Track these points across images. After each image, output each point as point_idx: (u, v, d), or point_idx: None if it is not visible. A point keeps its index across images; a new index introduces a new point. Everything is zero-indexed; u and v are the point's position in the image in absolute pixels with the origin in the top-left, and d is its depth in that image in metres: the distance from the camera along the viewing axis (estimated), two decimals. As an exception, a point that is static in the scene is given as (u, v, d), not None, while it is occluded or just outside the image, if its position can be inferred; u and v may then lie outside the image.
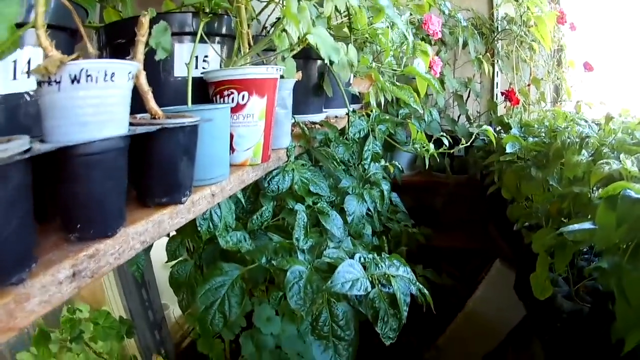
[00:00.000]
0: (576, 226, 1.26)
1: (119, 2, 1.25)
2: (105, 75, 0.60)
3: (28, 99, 0.73)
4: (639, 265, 1.07)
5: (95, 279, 0.61)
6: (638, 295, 1.04)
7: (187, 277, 1.58)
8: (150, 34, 0.82)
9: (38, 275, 0.52)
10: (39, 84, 0.59)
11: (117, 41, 1.07)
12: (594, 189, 1.47)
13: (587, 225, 1.24)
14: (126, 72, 0.64)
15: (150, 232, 0.72)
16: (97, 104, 0.60)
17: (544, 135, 2.20)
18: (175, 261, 1.59)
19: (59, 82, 0.58)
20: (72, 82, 0.58)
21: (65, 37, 0.82)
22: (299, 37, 1.05)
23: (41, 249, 0.58)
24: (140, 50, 0.76)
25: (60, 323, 1.52)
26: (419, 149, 1.89)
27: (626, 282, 1.07)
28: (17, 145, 0.48)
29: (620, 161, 1.36)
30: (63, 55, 0.58)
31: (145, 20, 0.76)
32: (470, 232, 3.36)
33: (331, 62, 0.98)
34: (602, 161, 1.41)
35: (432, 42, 2.53)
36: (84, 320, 1.58)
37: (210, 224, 1.38)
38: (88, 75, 0.58)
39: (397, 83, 1.54)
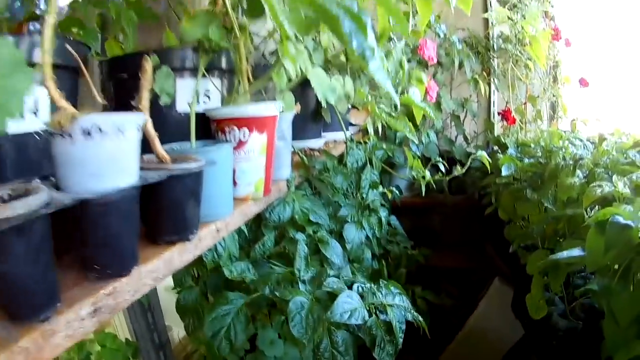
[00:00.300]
0: (565, 253, 1.29)
1: (121, 33, 1.28)
2: (116, 129, 0.63)
3: (37, 138, 0.76)
4: (628, 287, 1.10)
5: (113, 314, 0.65)
6: (626, 315, 1.07)
7: (193, 303, 1.60)
8: (153, 78, 0.85)
9: (63, 313, 0.56)
10: (52, 135, 0.62)
11: (119, 75, 1.10)
12: (588, 210, 1.49)
13: (576, 251, 1.27)
14: (135, 124, 0.67)
15: (161, 269, 0.76)
16: (109, 156, 0.63)
17: (540, 155, 2.22)
18: (182, 288, 1.62)
19: (72, 136, 0.61)
20: (85, 135, 0.61)
21: (69, 74, 0.84)
22: (296, 74, 1.09)
23: (63, 285, 0.62)
24: (145, 97, 0.79)
25: (68, 344, 1.54)
26: (415, 176, 1.92)
27: (615, 303, 1.10)
28: (38, 200, 0.52)
29: (613, 182, 1.38)
30: (74, 110, 0.61)
31: (149, 67, 0.78)
32: (469, 251, 3.36)
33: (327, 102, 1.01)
34: (594, 183, 1.43)
35: (428, 65, 2.54)
36: (91, 342, 1.60)
37: (215, 254, 1.42)
38: (100, 130, 0.62)
39: (394, 112, 1.57)
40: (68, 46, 0.74)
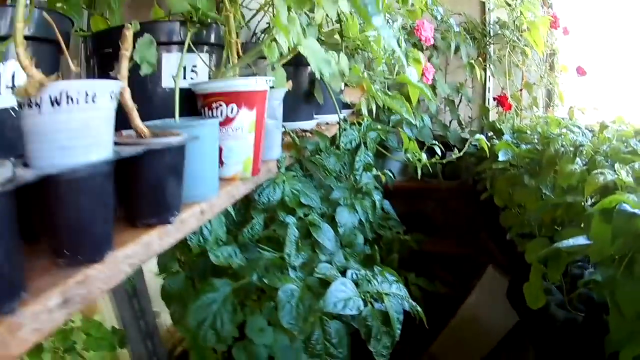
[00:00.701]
0: (570, 241, 1.26)
1: (107, 10, 1.23)
2: (87, 96, 0.58)
3: (14, 114, 0.72)
4: (634, 278, 1.08)
5: (85, 304, 0.60)
6: (632, 308, 1.05)
7: (179, 290, 1.57)
8: (134, 47, 0.80)
9: (29, 304, 0.51)
10: (20, 105, 0.58)
11: (104, 50, 1.06)
12: (588, 198, 1.47)
13: (581, 240, 1.24)
14: (108, 91, 0.62)
15: (139, 254, 0.71)
16: (80, 127, 0.58)
17: (536, 142, 2.20)
18: (167, 274, 1.58)
19: (40, 105, 0.56)
20: (52, 104, 0.56)
21: (50, 49, 0.80)
22: (289, 47, 1.04)
23: (31, 273, 0.57)
24: (125, 66, 0.74)
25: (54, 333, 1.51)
26: (410, 159, 1.88)
27: (620, 295, 1.08)
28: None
29: (615, 170, 1.37)
30: (43, 76, 0.56)
31: (129, 34, 0.74)
32: (462, 237, 3.37)
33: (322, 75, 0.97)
34: (596, 171, 1.41)
35: (425, 48, 2.52)
36: (77, 330, 1.57)
37: (201, 238, 1.38)
38: (68, 97, 0.56)
39: (389, 92, 1.53)
40: (46, 15, 0.70)
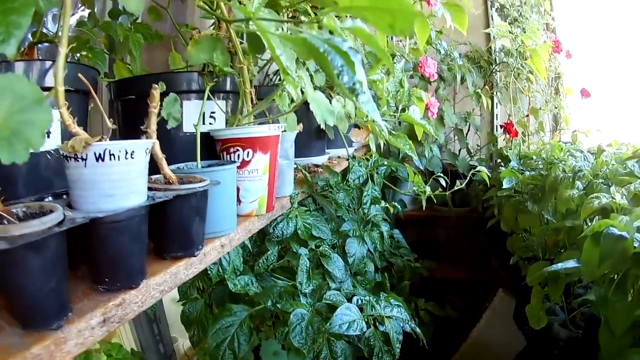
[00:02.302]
0: (560, 265, 1.31)
1: (128, 55, 1.33)
2: (127, 153, 0.68)
3: (49, 157, 0.81)
4: (623, 297, 1.13)
5: (122, 324, 0.69)
6: (621, 324, 1.10)
7: (198, 315, 1.64)
8: (161, 104, 0.89)
9: (74, 322, 0.60)
10: (66, 158, 0.67)
11: (127, 97, 1.15)
12: (587, 221, 1.51)
13: (571, 263, 1.29)
14: (144, 148, 0.71)
15: (168, 282, 0.80)
16: (120, 178, 0.68)
17: (541, 167, 2.24)
18: (187, 300, 1.66)
19: (85, 160, 0.66)
20: (97, 160, 0.66)
21: (79, 97, 0.90)
22: (298, 98, 1.12)
23: (75, 297, 0.67)
24: (153, 121, 0.83)
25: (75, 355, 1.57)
26: (417, 191, 1.95)
27: (610, 313, 1.13)
28: (53, 218, 0.57)
29: (610, 193, 1.40)
30: (87, 136, 0.66)
31: (156, 93, 0.83)
32: (473, 263, 3.39)
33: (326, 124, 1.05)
34: (592, 195, 1.44)
35: (431, 81, 2.57)
36: (96, 352, 1.63)
37: (220, 268, 1.46)
38: (111, 154, 0.66)
39: (398, 127, 1.60)
40: (80, 75, 0.77)
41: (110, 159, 0.66)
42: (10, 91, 0.50)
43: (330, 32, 0.66)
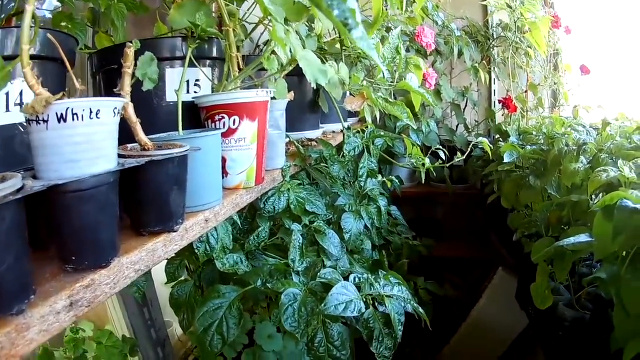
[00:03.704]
0: (572, 239, 1.25)
1: (111, 27, 1.26)
2: (91, 112, 0.61)
3: (22, 129, 0.76)
4: (638, 274, 1.07)
5: (92, 308, 0.62)
6: (636, 304, 1.04)
7: (187, 297, 1.58)
8: (136, 64, 0.83)
9: (37, 306, 0.54)
10: (28, 122, 0.61)
11: (109, 67, 1.08)
12: (592, 196, 1.46)
13: (583, 237, 1.23)
14: (111, 108, 0.65)
15: (144, 260, 0.73)
16: (85, 141, 0.61)
17: (542, 142, 2.19)
18: (175, 282, 1.60)
19: (47, 121, 0.59)
20: (59, 120, 0.59)
21: (55, 67, 0.84)
22: (287, 59, 1.06)
23: (39, 278, 0.60)
24: (127, 82, 0.77)
25: (64, 342, 1.53)
26: (415, 164, 1.89)
27: (624, 291, 1.06)
28: (9, 185, 0.50)
29: (618, 167, 1.35)
30: (49, 94, 0.59)
31: (130, 52, 0.77)
32: (472, 241, 3.38)
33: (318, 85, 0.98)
34: (599, 168, 1.39)
35: (428, 53, 2.52)
36: (88, 340, 1.59)
37: (207, 246, 1.39)
38: (74, 114, 0.60)
39: (391, 99, 1.54)
40: (50, 35, 0.73)
41: (73, 118, 0.60)
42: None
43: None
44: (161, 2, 1.37)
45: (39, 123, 0.60)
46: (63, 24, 1.13)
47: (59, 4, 1.19)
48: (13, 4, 1.04)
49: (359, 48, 0.45)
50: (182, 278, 1.62)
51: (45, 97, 0.59)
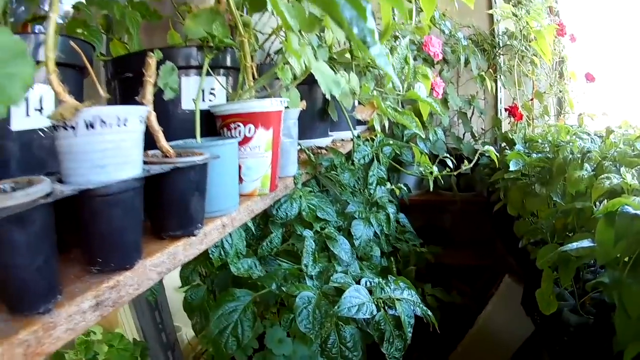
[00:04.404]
0: (575, 244, 1.28)
1: (125, 34, 1.29)
2: (119, 120, 0.63)
3: (42, 135, 0.77)
4: (639, 279, 1.09)
5: (116, 308, 0.65)
6: (637, 307, 1.05)
7: (201, 301, 1.61)
8: (157, 74, 0.85)
9: (64, 306, 0.56)
10: (55, 127, 0.63)
11: (125, 75, 1.11)
12: (597, 203, 1.47)
13: (586, 243, 1.25)
14: (138, 116, 0.67)
15: (166, 263, 0.76)
16: (113, 147, 0.64)
17: (547, 150, 2.20)
18: (189, 286, 1.63)
19: (75, 128, 0.62)
20: (87, 127, 0.62)
21: (74, 73, 0.86)
22: (301, 69, 1.09)
23: (65, 279, 0.63)
24: (149, 91, 0.79)
25: (75, 344, 1.55)
26: (423, 172, 1.92)
27: (626, 295, 1.08)
28: (39, 190, 0.52)
29: (621, 174, 1.37)
30: (77, 102, 0.62)
31: (152, 62, 0.79)
32: (479, 248, 3.38)
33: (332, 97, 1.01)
34: (603, 176, 1.41)
35: (435, 62, 2.54)
36: (98, 342, 1.60)
37: (222, 252, 1.42)
38: (102, 121, 0.62)
39: (400, 108, 1.56)
40: (72, 43, 0.75)
41: (102, 126, 0.62)
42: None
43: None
44: (173, 9, 1.40)
45: (67, 129, 0.62)
46: (79, 30, 1.16)
47: (70, 9, 1.22)
48: (22, 8, 1.06)
49: (376, 63, 0.48)
50: (196, 282, 1.64)
51: (74, 105, 0.61)
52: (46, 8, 1.25)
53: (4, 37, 0.47)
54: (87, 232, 0.65)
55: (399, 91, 1.63)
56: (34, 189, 0.52)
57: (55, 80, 0.63)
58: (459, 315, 2.76)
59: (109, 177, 0.63)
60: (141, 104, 0.78)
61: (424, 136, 1.81)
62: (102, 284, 0.63)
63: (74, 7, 1.22)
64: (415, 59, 2.52)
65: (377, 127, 1.70)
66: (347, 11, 0.48)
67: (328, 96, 1.01)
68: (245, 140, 1.06)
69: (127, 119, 0.65)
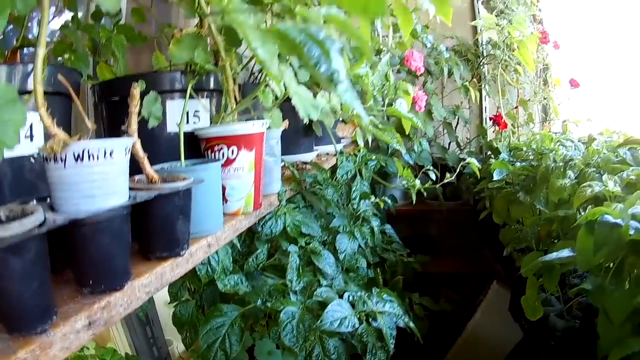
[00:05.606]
0: (555, 254, 1.30)
1: (112, 57, 1.31)
2: (105, 152, 0.67)
3: (32, 160, 0.80)
4: (620, 285, 1.12)
5: (108, 326, 0.68)
6: (619, 313, 1.08)
7: (190, 317, 1.64)
8: (141, 103, 0.88)
9: (59, 326, 0.60)
10: (46, 159, 0.66)
11: (111, 98, 1.14)
12: (580, 210, 1.50)
13: (566, 252, 1.27)
14: (123, 147, 0.71)
15: (154, 283, 0.79)
16: (101, 178, 0.67)
17: (532, 158, 2.23)
18: (178, 302, 1.65)
19: (64, 160, 0.65)
20: (76, 160, 0.65)
21: (63, 100, 0.88)
22: (282, 93, 1.12)
23: (59, 300, 0.66)
24: (134, 121, 0.82)
25: None
26: (406, 185, 1.95)
27: (608, 301, 1.11)
28: (34, 220, 0.56)
29: (603, 181, 1.39)
30: (66, 135, 0.65)
31: (136, 92, 0.82)
32: (466, 256, 3.40)
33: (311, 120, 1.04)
34: (585, 184, 1.44)
35: (418, 75, 2.56)
36: (91, 357, 1.62)
37: (209, 269, 1.46)
38: (90, 154, 0.65)
39: (383, 122, 1.59)
40: (60, 76, 0.77)
41: (90, 158, 0.66)
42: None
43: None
44: (158, 31, 1.43)
45: (57, 162, 0.65)
46: (66, 56, 1.18)
47: (56, 29, 1.24)
48: (18, 35, 1.09)
49: (341, 98, 0.50)
50: (184, 298, 1.67)
51: (63, 139, 0.64)
52: (34, 31, 1.28)
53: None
54: (78, 257, 0.68)
55: (381, 107, 1.66)
56: (29, 220, 0.55)
57: (45, 114, 0.66)
58: (448, 323, 2.78)
59: (98, 206, 0.67)
60: (127, 133, 0.82)
61: (404, 151, 1.83)
62: (94, 304, 0.66)
63: (60, 29, 1.25)
64: (399, 72, 2.55)
65: (360, 143, 1.73)
66: (314, 51, 0.51)
67: (306, 121, 1.04)
68: (229, 162, 1.09)
69: (113, 151, 0.68)
